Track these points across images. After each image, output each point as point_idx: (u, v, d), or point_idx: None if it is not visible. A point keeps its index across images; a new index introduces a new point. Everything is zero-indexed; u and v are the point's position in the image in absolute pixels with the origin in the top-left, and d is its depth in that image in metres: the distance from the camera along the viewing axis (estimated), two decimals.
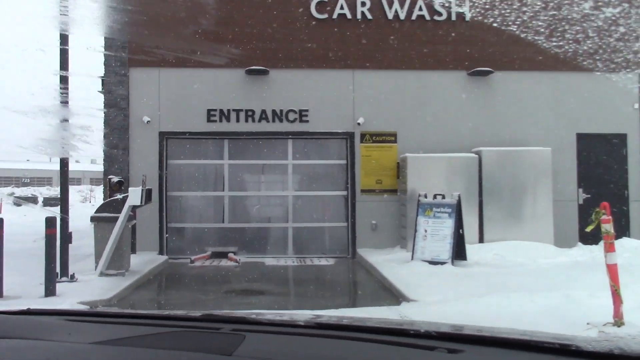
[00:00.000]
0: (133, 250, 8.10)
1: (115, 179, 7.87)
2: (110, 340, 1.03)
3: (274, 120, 9.03)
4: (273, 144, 9.27)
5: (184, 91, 9.01)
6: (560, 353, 1.00)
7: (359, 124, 8.95)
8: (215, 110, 9.02)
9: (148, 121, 8.84)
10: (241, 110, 9.02)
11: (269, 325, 1.17)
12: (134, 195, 6.45)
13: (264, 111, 9.02)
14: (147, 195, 6.71)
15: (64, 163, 6.39)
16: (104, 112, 8.86)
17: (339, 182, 9.27)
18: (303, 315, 1.20)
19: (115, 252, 6.53)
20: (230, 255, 8.82)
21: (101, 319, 1.26)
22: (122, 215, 6.49)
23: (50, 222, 5.57)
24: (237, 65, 8.97)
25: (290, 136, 9.14)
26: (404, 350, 1.03)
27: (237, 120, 9.01)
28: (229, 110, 9.02)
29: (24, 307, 1.26)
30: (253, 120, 9.02)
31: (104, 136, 8.87)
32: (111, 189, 7.95)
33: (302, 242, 9.20)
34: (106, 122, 8.86)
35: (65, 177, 6.45)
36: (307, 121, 9.03)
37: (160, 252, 8.87)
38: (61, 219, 6.24)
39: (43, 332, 1.10)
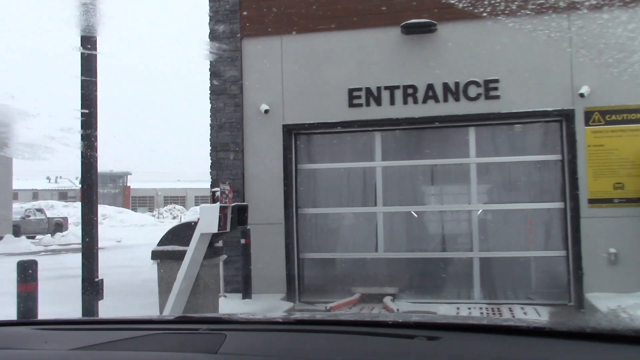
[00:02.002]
0: (247, 294, 8.84)
1: (220, 188, 8.55)
2: (90, 346, 1.38)
3: (446, 99, 9.27)
4: (446, 135, 9.52)
5: (315, 66, 9.58)
6: (535, 335, 1.41)
7: (581, 95, 8.86)
8: (359, 89, 9.49)
9: (267, 110, 9.56)
10: (397, 87, 9.38)
11: (245, 323, 1.62)
12: (207, 217, 6.26)
13: (430, 87, 9.29)
14: (237, 215, 6.69)
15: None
16: (210, 102, 9.73)
17: (550, 189, 9.26)
18: (278, 313, 1.80)
19: (188, 304, 6.48)
20: (386, 301, 9.17)
21: (76, 327, 1.67)
22: (190, 249, 6.33)
23: (24, 269, 5.07)
24: (388, 21, 9.35)
25: (472, 122, 9.32)
26: (384, 340, 1.45)
27: (392, 102, 9.39)
28: (379, 89, 9.43)
29: None
30: (415, 101, 9.33)
31: (210, 135, 9.75)
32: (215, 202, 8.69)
33: (495, 280, 9.34)
34: (213, 115, 9.73)
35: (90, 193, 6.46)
36: (497, 97, 9.15)
37: (289, 295, 9.53)
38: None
39: (18, 341, 1.45)
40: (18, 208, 35.49)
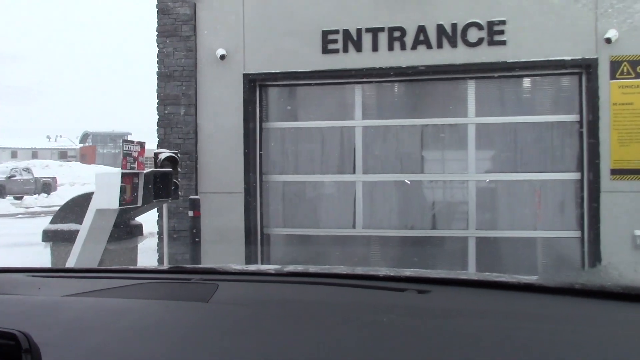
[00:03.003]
0: None
1: (164, 154, 7.27)
2: (83, 293, 1.50)
3: (440, 45, 7.87)
4: (440, 89, 8.16)
5: (283, 2, 8.17)
6: (525, 290, 1.58)
7: (608, 41, 7.41)
8: (336, 32, 8.10)
9: (223, 56, 8.19)
10: (381, 29, 7.99)
11: (238, 274, 1.79)
12: (105, 188, 5.02)
13: (421, 29, 7.89)
14: (155, 185, 5.46)
15: None
16: (157, 46, 8.36)
17: (565, 156, 7.90)
18: (271, 266, 1.82)
19: None
20: None
21: (69, 274, 1.83)
22: (83, 230, 5.15)
23: None
24: None
25: (471, 73, 7.94)
26: (375, 292, 1.61)
27: (375, 47, 8.02)
28: (359, 32, 8.04)
29: None
30: (403, 47, 7.94)
31: (157, 86, 8.41)
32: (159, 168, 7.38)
33: (494, 265, 8.08)
34: (160, 62, 8.37)
35: None
36: (503, 43, 7.74)
37: None
38: None
39: (10, 287, 1.54)
40: (4, 167, 34.86)
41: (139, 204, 5.21)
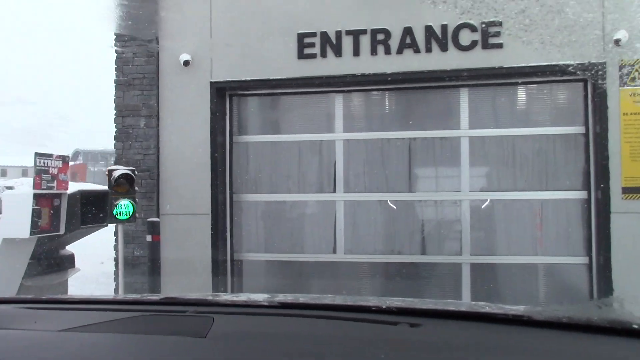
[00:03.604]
0: None
1: (119, 171, 6.56)
2: (79, 327, 1.49)
3: (429, 49, 7.19)
4: (430, 98, 7.48)
5: (254, 2, 7.50)
6: (514, 323, 1.59)
7: (617, 42, 6.73)
8: (313, 34, 7.43)
9: (187, 62, 7.50)
10: (363, 31, 7.31)
11: (231, 306, 1.79)
12: (13, 213, 4.34)
13: (408, 31, 7.21)
14: (83, 208, 4.59)
15: None
16: (115, 50, 7.66)
17: (569, 173, 7.19)
18: (261, 295, 1.83)
19: None
20: None
21: (63, 306, 1.78)
22: None
23: None
24: None
25: (464, 80, 7.25)
26: (368, 326, 1.63)
27: (356, 52, 7.34)
28: (339, 34, 7.36)
29: None
30: (387, 51, 7.26)
31: (115, 95, 7.70)
32: (113, 188, 6.66)
33: (491, 294, 7.33)
34: (118, 68, 7.66)
35: None
36: (499, 46, 7.06)
37: None
38: None
39: (6, 320, 1.53)
40: None
41: (61, 231, 4.43)
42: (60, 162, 4.73)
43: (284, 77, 7.47)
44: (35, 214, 4.10)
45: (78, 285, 7.40)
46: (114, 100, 7.70)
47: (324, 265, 7.71)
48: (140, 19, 7.61)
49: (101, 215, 4.93)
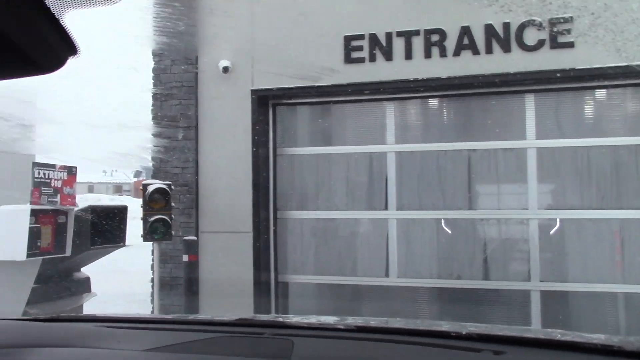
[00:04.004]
0: None
1: (154, 185, 6.27)
2: (162, 347, 1.51)
3: (489, 51, 6.57)
4: (491, 105, 6.85)
5: (298, 4, 7.06)
6: (603, 353, 1.54)
7: None
8: (361, 37, 6.92)
9: (226, 68, 7.10)
10: (416, 32, 6.76)
11: (307, 329, 1.74)
12: (7, 232, 3.91)
13: (466, 31, 6.62)
14: (94, 227, 4.15)
15: None
16: (153, 59, 7.39)
17: None
18: (331, 318, 1.82)
19: None
20: None
21: (140, 326, 1.82)
22: None
23: None
24: None
25: (530, 84, 6.59)
26: (449, 352, 1.59)
27: (408, 55, 6.79)
28: (389, 36, 6.83)
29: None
30: (443, 54, 6.68)
31: (152, 106, 7.41)
32: (147, 204, 6.36)
33: (564, 324, 6.55)
34: (155, 78, 7.37)
35: None
36: (570, 45, 6.37)
37: None
38: None
39: (91, 339, 1.56)
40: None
41: (67, 253, 4.03)
42: (66, 173, 4.35)
43: (329, 84, 6.97)
44: (34, 234, 3.72)
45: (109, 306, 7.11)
46: (151, 110, 7.40)
47: (376, 290, 7.13)
48: (179, 27, 7.29)
49: (116, 234, 4.50)
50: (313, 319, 1.82)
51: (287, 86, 7.11)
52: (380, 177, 7.15)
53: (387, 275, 7.09)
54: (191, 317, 1.94)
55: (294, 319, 1.85)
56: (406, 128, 7.15)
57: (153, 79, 7.38)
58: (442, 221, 6.96)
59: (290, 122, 7.48)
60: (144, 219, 6.62)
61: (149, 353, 1.46)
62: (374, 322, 1.83)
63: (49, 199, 4.10)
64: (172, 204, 6.76)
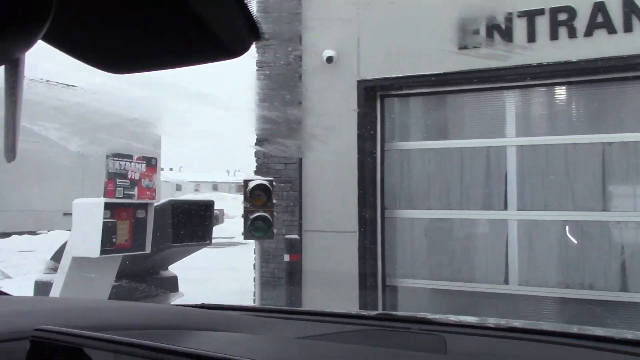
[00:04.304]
0: None
1: (255, 181, 6.05)
2: (314, 336, 1.53)
3: (628, 29, 5.85)
4: (629, 92, 6.13)
5: None
6: None
7: None
8: (477, 20, 6.29)
9: (330, 58, 6.74)
10: (540, 12, 6.08)
11: (456, 326, 1.68)
12: (82, 226, 3.76)
13: (599, 6, 5.87)
14: (177, 222, 3.86)
15: None
16: (257, 51, 7.18)
17: None
18: (470, 318, 1.78)
19: None
20: None
21: (283, 316, 1.86)
22: (55, 289, 3.88)
23: None
24: None
25: None
26: (605, 355, 1.47)
27: (531, 37, 6.16)
28: (509, 18, 6.18)
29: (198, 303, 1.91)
30: (572, 34, 5.98)
31: (258, 99, 7.21)
32: (248, 201, 6.15)
33: None
34: (259, 71, 7.16)
35: None
36: None
37: None
38: None
39: (243, 326, 1.59)
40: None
41: (146, 250, 3.81)
42: (144, 165, 4.12)
43: (442, 72, 6.43)
44: (109, 229, 3.53)
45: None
46: (255, 103, 7.21)
47: (493, 298, 6.51)
48: (282, 16, 7.04)
49: (201, 231, 4.23)
50: (452, 317, 1.75)
51: (395, 75, 6.64)
52: (498, 173, 6.52)
53: (506, 282, 6.45)
54: (330, 310, 1.92)
55: (430, 316, 1.79)
56: (529, 119, 6.47)
57: (257, 72, 7.18)
58: (571, 223, 6.22)
59: (399, 115, 7.02)
60: (245, 216, 6.43)
61: (303, 340, 1.47)
62: (518, 323, 1.73)
63: (125, 192, 3.91)
64: (274, 201, 6.51)
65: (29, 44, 0.54)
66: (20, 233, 18.34)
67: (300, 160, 6.99)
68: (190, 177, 73.57)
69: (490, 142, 6.54)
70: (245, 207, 6.48)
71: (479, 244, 6.64)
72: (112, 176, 3.83)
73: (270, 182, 6.50)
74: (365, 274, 6.75)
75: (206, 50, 0.61)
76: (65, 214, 17.70)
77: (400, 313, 1.79)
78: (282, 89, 7.05)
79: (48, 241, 14.33)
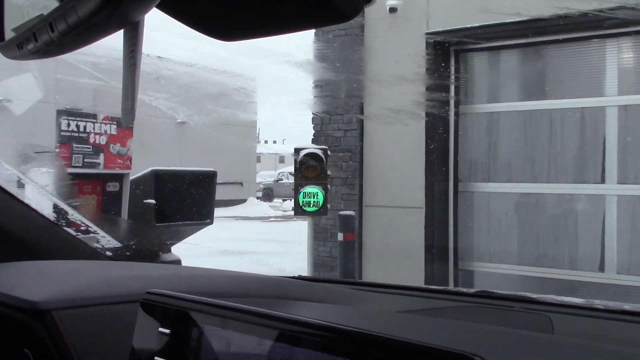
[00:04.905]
0: None
1: (306, 150, 5.52)
2: (414, 311, 1.50)
3: None
4: None
5: None
6: None
7: None
8: None
9: (393, 8, 5.93)
10: None
11: (559, 306, 1.56)
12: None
13: None
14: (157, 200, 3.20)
15: None
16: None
17: None
18: (571, 299, 1.67)
19: None
20: None
21: (380, 290, 1.80)
22: None
23: None
24: None
25: None
26: None
27: None
28: None
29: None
30: None
31: (315, 55, 6.54)
32: (301, 173, 5.61)
33: None
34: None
35: None
36: None
37: None
38: None
39: (341, 298, 1.60)
40: (273, 172, 37.94)
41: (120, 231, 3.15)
42: (113, 126, 3.43)
43: (527, 19, 5.50)
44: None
45: None
46: (312, 62, 6.55)
47: (586, 287, 5.60)
48: None
49: (196, 208, 3.53)
50: (565, 298, 1.67)
51: (471, 25, 5.76)
52: (595, 139, 5.56)
53: (602, 269, 5.52)
54: (433, 287, 1.93)
55: (530, 295, 1.70)
56: (634, 74, 5.43)
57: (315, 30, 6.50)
58: None
59: (477, 72, 6.17)
60: (296, 190, 5.84)
61: (403, 315, 1.43)
62: (628, 306, 1.57)
63: (86, 160, 3.29)
64: (329, 173, 5.86)
65: (146, 7, 0.57)
66: None
67: (362, 126, 6.27)
68: (278, 150, 74.14)
69: (586, 102, 5.59)
70: (295, 179, 5.89)
71: (570, 224, 5.71)
72: (65, 140, 3.20)
73: (325, 150, 5.87)
74: (433, 257, 5.99)
75: (317, 13, 0.59)
76: None
77: (500, 291, 1.69)
78: (341, 46, 6.33)
79: None
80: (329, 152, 5.90)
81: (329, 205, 5.84)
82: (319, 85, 6.49)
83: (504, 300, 1.66)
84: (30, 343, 1.12)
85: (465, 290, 1.82)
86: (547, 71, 5.83)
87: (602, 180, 5.53)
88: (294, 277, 1.84)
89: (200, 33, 0.64)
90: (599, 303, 1.62)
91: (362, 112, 6.31)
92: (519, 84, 6.00)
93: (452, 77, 6.11)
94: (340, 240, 5.78)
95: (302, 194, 5.79)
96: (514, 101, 5.95)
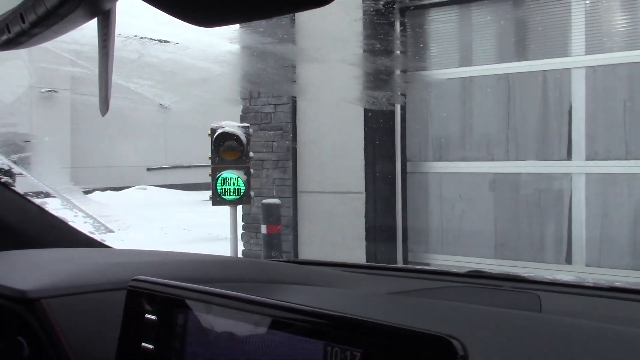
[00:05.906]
0: None
1: (223, 128, 4.90)
2: (404, 292, 1.55)
3: None
4: None
5: None
6: None
7: None
8: None
9: None
10: None
11: (549, 284, 1.61)
12: None
13: None
14: None
15: None
16: None
17: None
18: (568, 277, 1.72)
19: None
20: None
21: (371, 272, 1.85)
22: None
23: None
24: None
25: None
26: None
27: None
28: None
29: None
30: None
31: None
32: (218, 156, 5.01)
33: None
34: None
35: None
36: None
37: None
38: None
39: (334, 281, 1.60)
40: None
41: None
42: None
43: None
44: None
45: None
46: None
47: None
48: None
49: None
50: (556, 276, 1.67)
51: None
52: (559, 108, 4.94)
53: (569, 261, 4.90)
54: (419, 267, 1.94)
55: (531, 274, 1.71)
56: (603, 31, 4.73)
57: None
58: None
59: (425, 34, 5.46)
60: (213, 175, 5.14)
61: (393, 296, 1.48)
62: (619, 283, 1.61)
63: None
64: (251, 154, 5.17)
65: None
66: (104, 189, 18.89)
67: (294, 100, 5.56)
68: None
69: (548, 63, 4.93)
70: (213, 163, 5.20)
71: (533, 209, 5.07)
72: None
73: (246, 128, 5.17)
74: (375, 248, 5.32)
75: None
76: (149, 169, 19.17)
77: (492, 271, 1.71)
78: None
79: (133, 197, 15.70)
80: (251, 131, 5.21)
81: (252, 193, 5.14)
82: (253, 55, 5.80)
83: (495, 279, 1.69)
84: (23, 332, 1.15)
85: (456, 270, 1.84)
86: (504, 30, 5.16)
87: (569, 157, 4.87)
88: (286, 261, 1.91)
89: (180, 20, 0.60)
90: (589, 281, 1.65)
91: (293, 84, 5.61)
92: (473, 45, 5.31)
93: (396, 39, 5.41)
94: (263, 234, 5.09)
95: (220, 179, 5.09)
96: (467, 65, 5.27)
